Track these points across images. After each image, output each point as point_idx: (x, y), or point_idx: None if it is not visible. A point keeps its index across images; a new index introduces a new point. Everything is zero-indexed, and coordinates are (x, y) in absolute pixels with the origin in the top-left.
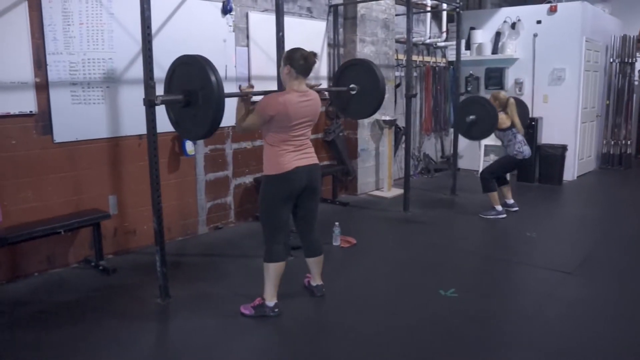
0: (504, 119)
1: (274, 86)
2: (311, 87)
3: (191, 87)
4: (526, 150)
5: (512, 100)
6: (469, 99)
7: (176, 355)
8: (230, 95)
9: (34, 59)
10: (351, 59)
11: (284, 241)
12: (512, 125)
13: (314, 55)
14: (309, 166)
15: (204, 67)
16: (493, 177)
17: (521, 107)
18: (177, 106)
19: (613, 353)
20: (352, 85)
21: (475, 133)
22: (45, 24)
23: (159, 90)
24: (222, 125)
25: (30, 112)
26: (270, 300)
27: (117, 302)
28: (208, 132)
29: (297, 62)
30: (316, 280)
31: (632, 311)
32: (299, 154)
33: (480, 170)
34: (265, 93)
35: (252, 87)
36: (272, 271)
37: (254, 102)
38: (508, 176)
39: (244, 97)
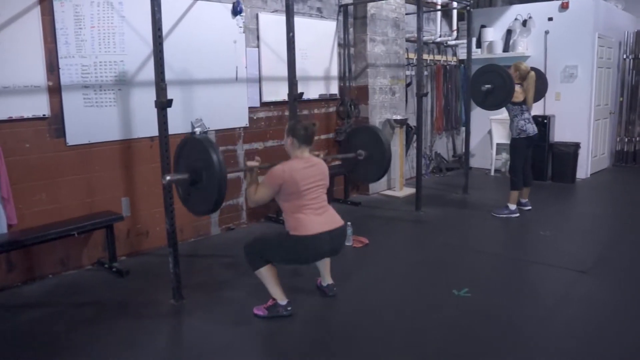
0: (518, 93)
1: (284, 87)
2: (316, 155)
3: (196, 166)
4: (530, 129)
5: (532, 74)
6: (485, 68)
7: (190, 356)
8: (235, 171)
9: (46, 62)
10: (359, 126)
11: None
12: (525, 101)
13: (313, 125)
14: (334, 230)
15: (206, 148)
16: (520, 169)
17: (541, 79)
18: (185, 184)
19: (630, 353)
20: (359, 151)
21: (491, 102)
22: (57, 28)
23: (170, 94)
24: (233, 126)
25: (44, 115)
26: (282, 300)
27: (130, 304)
28: (213, 209)
29: (298, 132)
30: (326, 280)
31: None
32: (320, 217)
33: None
34: (269, 166)
35: (257, 161)
36: (266, 274)
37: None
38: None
39: (249, 171)
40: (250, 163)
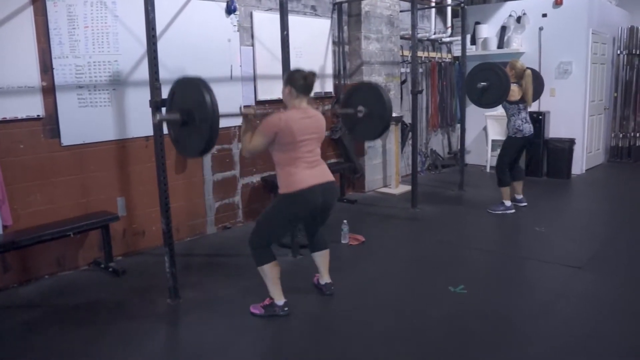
0: (515, 92)
1: (279, 85)
2: (315, 108)
3: (188, 107)
4: (526, 129)
5: (529, 72)
6: (482, 65)
7: (187, 356)
8: (227, 115)
9: (40, 63)
10: (360, 82)
11: (270, 245)
12: (521, 100)
13: (313, 74)
14: (325, 184)
15: (199, 87)
16: (507, 166)
17: (538, 80)
18: (176, 125)
19: (625, 349)
20: (359, 108)
21: (487, 100)
22: (50, 28)
23: (165, 92)
24: (228, 125)
25: (38, 116)
26: (279, 299)
27: (127, 304)
28: (204, 150)
29: (297, 82)
30: (324, 278)
31: None
32: (312, 171)
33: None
34: (264, 114)
35: (254, 109)
36: (269, 272)
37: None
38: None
39: (245, 117)
40: (247, 110)
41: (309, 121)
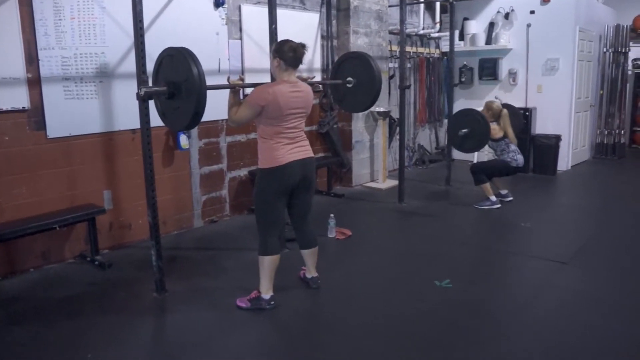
0: (496, 130)
1: (267, 79)
2: (304, 79)
3: (175, 79)
4: (520, 159)
5: (505, 112)
6: (461, 112)
7: (173, 349)
8: (215, 87)
9: (25, 54)
10: (349, 52)
11: (278, 234)
12: (505, 135)
13: (302, 46)
14: (304, 160)
15: (187, 58)
16: (483, 173)
17: (515, 115)
18: (162, 98)
19: (608, 343)
20: (348, 79)
21: (469, 146)
22: (36, 19)
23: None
24: (215, 118)
25: (23, 107)
26: (266, 293)
27: (113, 297)
28: (191, 123)
29: (286, 54)
30: (311, 272)
31: (627, 300)
32: (293, 147)
33: (474, 162)
34: (253, 85)
35: (241, 79)
36: (267, 264)
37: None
38: None
39: (233, 89)
40: (234, 81)
41: (297, 95)
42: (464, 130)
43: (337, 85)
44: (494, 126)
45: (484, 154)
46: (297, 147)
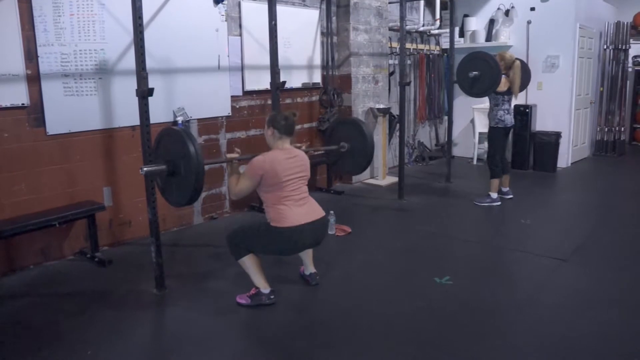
0: (502, 83)
1: (267, 76)
2: (298, 147)
3: (174, 157)
4: (508, 120)
5: (517, 63)
6: (473, 54)
7: (173, 345)
8: (213, 162)
9: (24, 51)
10: (343, 118)
11: None
12: (507, 92)
13: (293, 115)
14: (316, 222)
15: (183, 138)
16: (498, 158)
17: (526, 72)
18: (163, 175)
19: (608, 339)
20: (342, 144)
21: (477, 90)
22: (35, 15)
23: (151, 83)
24: (215, 115)
25: (23, 104)
26: (265, 288)
27: (113, 294)
28: (191, 199)
29: (278, 123)
30: (309, 269)
31: (626, 297)
32: (302, 208)
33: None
34: (249, 158)
35: (237, 153)
36: (249, 263)
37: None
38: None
39: (229, 162)
40: (230, 155)
41: (292, 161)
42: (474, 73)
43: (332, 150)
44: (502, 78)
45: (483, 152)
46: (306, 207)
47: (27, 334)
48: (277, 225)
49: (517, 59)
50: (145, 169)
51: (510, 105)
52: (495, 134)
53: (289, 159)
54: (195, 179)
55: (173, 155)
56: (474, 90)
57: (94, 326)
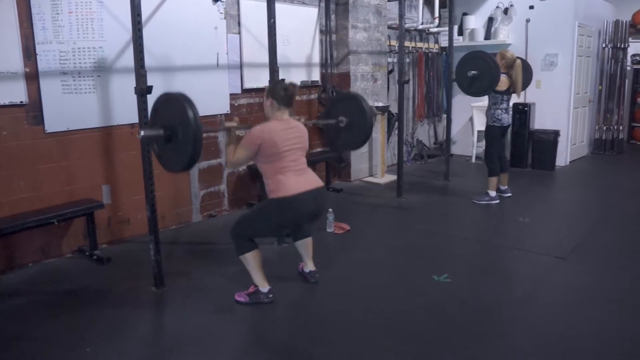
0: (503, 82)
1: (265, 73)
2: (296, 120)
3: (172, 123)
4: (505, 119)
5: (518, 62)
6: (473, 54)
7: (172, 343)
8: (211, 130)
9: (23, 48)
10: (342, 93)
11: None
12: (507, 91)
13: (293, 86)
14: (313, 191)
15: (182, 103)
16: (496, 156)
17: (527, 71)
18: (160, 141)
19: (606, 338)
20: (340, 118)
21: (476, 89)
22: (33, 13)
23: (150, 80)
24: (214, 113)
25: (21, 102)
26: (264, 287)
27: (112, 292)
28: (188, 166)
29: (278, 94)
30: (309, 266)
31: (625, 296)
32: (300, 178)
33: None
34: (247, 127)
35: (236, 122)
36: (251, 260)
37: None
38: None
39: (227, 131)
40: (229, 123)
41: (291, 131)
42: (473, 72)
43: (330, 127)
44: (502, 78)
45: (481, 150)
46: (305, 177)
47: (25, 331)
48: (277, 195)
49: (518, 57)
50: (142, 132)
51: (508, 104)
52: (491, 132)
53: (287, 130)
54: (193, 144)
55: (171, 121)
56: (473, 89)
57: (92, 324)
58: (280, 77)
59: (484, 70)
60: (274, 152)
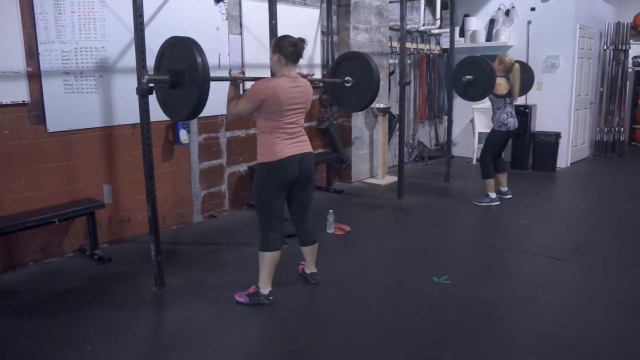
0: (502, 85)
1: (267, 74)
2: (304, 76)
3: (178, 68)
4: (511, 123)
5: (517, 66)
6: (469, 59)
7: (171, 343)
8: (217, 79)
9: (25, 48)
10: (348, 52)
11: (279, 229)
12: (508, 94)
13: (302, 41)
14: (302, 155)
15: (191, 47)
16: (490, 159)
17: (527, 73)
18: (165, 87)
19: (606, 339)
20: (347, 78)
21: (472, 94)
22: (36, 13)
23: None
24: (215, 113)
25: (23, 101)
26: (265, 289)
27: (112, 291)
28: (193, 113)
29: (286, 49)
30: (310, 268)
31: (624, 297)
32: (292, 142)
33: (479, 156)
34: (254, 79)
35: (243, 73)
36: (268, 260)
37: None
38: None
39: (234, 82)
40: (235, 73)
41: (297, 90)
42: (468, 77)
43: (335, 85)
44: (501, 81)
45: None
46: (296, 142)
47: (26, 329)
48: (267, 160)
49: (517, 61)
50: (146, 76)
51: (512, 107)
52: (495, 137)
53: (293, 88)
54: (200, 89)
55: (177, 66)
56: (469, 94)
57: (93, 323)
58: None
59: (479, 75)
60: (276, 109)
